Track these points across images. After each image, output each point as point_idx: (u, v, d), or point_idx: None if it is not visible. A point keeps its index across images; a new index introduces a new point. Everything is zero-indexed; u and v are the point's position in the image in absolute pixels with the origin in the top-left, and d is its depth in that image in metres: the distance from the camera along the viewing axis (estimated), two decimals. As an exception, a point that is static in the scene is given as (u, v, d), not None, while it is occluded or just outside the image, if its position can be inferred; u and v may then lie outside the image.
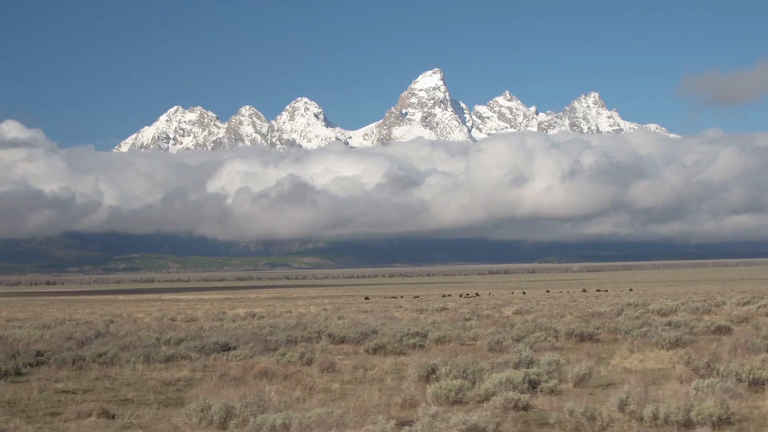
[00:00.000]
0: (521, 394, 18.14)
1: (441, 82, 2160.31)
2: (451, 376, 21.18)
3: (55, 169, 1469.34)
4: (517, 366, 23.02)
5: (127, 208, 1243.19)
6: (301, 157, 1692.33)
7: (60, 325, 47.68)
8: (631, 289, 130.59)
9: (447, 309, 65.10)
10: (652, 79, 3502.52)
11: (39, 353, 28.47)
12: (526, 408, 17.87)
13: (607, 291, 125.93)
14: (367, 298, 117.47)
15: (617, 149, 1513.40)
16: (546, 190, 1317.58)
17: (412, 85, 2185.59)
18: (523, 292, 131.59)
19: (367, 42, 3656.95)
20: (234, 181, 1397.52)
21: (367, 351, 30.53)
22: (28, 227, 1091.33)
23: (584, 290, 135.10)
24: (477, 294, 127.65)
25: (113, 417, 18.77)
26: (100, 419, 18.47)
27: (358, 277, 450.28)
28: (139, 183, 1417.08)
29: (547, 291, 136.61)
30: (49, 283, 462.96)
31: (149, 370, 27.00)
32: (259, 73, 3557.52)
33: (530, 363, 23.28)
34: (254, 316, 59.04)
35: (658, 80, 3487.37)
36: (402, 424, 15.74)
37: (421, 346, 31.36)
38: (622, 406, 16.96)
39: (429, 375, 22.07)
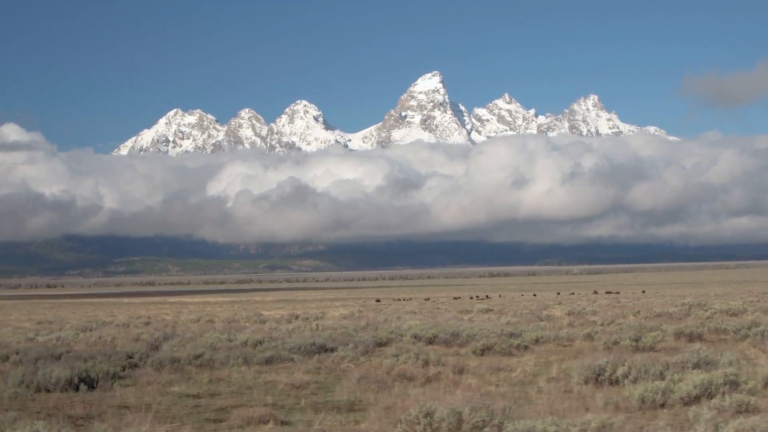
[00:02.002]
0: (750, 396, 16.78)
1: (440, 85, 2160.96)
2: (630, 377, 19.97)
3: (55, 171, 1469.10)
4: (696, 366, 21.81)
5: (127, 210, 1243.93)
6: (301, 159, 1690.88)
7: (102, 328, 46.06)
8: (644, 291, 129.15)
9: (492, 310, 63.64)
10: (651, 81, 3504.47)
11: (129, 356, 27.15)
12: (755, 411, 16.43)
13: (618, 293, 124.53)
14: (378, 301, 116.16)
15: (617, 151, 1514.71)
16: (546, 192, 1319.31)
17: (412, 88, 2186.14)
18: (534, 294, 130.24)
19: (366, 44, 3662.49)
20: (234, 183, 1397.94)
21: (474, 352, 29.49)
22: (28, 230, 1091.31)
23: (595, 292, 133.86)
24: (487, 296, 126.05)
25: (285, 423, 17.55)
26: (277, 426, 17.28)
27: (359, 280, 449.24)
28: (139, 186, 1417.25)
29: (558, 293, 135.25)
30: (49, 286, 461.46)
31: (255, 372, 25.78)
32: (259, 76, 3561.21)
33: (708, 363, 22.04)
34: (297, 317, 57.58)
35: (658, 82, 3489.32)
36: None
37: (525, 347, 30.42)
38: None
39: (598, 376, 20.94)
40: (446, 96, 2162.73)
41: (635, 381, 19.90)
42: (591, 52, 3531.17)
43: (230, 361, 26.42)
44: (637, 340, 30.11)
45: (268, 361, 27.17)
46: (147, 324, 51.64)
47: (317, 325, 43.93)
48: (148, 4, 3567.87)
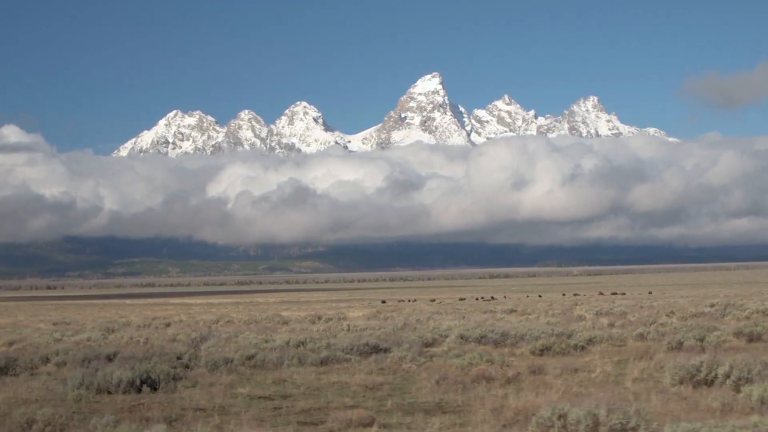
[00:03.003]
0: None
1: (440, 86, 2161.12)
2: (733, 377, 19.50)
3: (55, 173, 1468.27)
4: None
5: (127, 212, 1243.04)
6: (301, 161, 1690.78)
7: (124, 329, 45.64)
8: (650, 293, 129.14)
9: (516, 311, 63.12)
10: (651, 82, 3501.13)
11: (178, 357, 26.71)
12: None
13: (624, 294, 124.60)
14: (383, 302, 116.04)
15: (617, 153, 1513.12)
16: (546, 193, 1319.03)
17: (411, 89, 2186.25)
18: (539, 296, 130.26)
19: (366, 46, 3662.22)
20: (234, 185, 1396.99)
21: (532, 352, 29.21)
22: (28, 231, 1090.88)
23: (600, 293, 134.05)
24: (492, 297, 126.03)
25: (386, 426, 17.00)
26: (382, 429, 16.71)
27: (359, 282, 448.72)
28: (139, 187, 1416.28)
29: (563, 294, 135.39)
30: (49, 288, 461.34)
31: (314, 372, 25.26)
32: (259, 78, 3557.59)
33: None
34: (320, 318, 57.14)
35: (658, 83, 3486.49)
36: None
37: (582, 347, 30.03)
38: None
39: (693, 377, 20.48)
40: (446, 97, 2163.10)
41: (738, 381, 19.36)
42: (590, 54, 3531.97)
43: (285, 362, 25.76)
44: (701, 340, 29.62)
45: (324, 362, 26.60)
46: (168, 325, 50.95)
47: (348, 326, 42.86)
48: (148, 5, 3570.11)
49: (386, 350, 28.35)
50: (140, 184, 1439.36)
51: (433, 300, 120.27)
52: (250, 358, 26.07)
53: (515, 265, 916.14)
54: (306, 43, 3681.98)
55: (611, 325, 41.20)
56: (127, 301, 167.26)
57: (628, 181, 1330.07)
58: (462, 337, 32.95)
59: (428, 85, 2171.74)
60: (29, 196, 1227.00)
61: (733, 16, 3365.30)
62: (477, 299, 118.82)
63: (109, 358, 25.18)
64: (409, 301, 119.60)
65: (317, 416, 18.45)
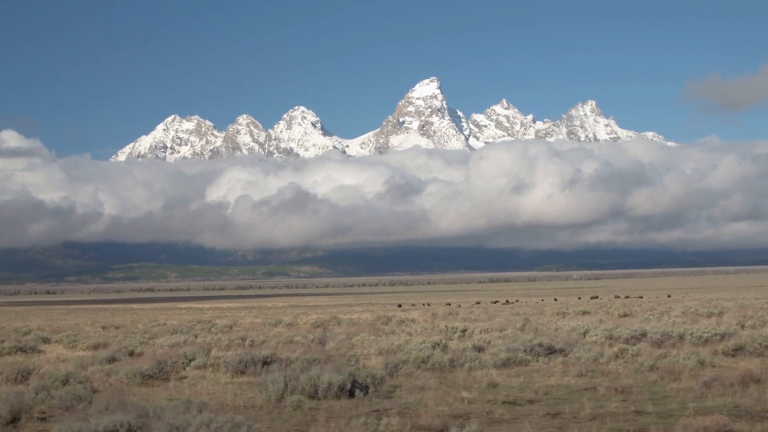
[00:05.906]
0: None
1: (438, 91, 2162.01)
2: None
3: (53, 178, 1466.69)
4: None
5: (126, 217, 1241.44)
6: (300, 165, 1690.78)
7: (189, 332, 44.54)
8: (669, 296, 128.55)
9: (589, 313, 62.10)
10: (651, 86, 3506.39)
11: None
12: None
13: (642, 297, 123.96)
14: (399, 306, 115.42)
15: (616, 157, 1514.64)
16: (545, 198, 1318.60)
17: (410, 94, 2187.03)
18: (555, 299, 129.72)
19: (365, 51, 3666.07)
20: (234, 189, 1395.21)
21: (725, 353, 28.66)
22: (27, 237, 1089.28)
23: (617, 296, 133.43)
24: (507, 301, 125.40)
25: None
26: None
27: (359, 286, 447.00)
28: (138, 192, 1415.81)
29: (579, 298, 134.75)
30: (48, 293, 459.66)
31: (507, 375, 24.02)
32: (257, 82, 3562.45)
33: None
34: (390, 320, 56.34)
35: (658, 87, 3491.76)
36: None
37: (766, 346, 29.25)
38: None
39: None
40: (444, 102, 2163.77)
41: None
42: (588, 58, 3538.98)
43: (466, 363, 24.88)
44: None
45: (505, 364, 25.85)
46: (230, 328, 49.89)
47: (445, 326, 41.46)
48: (147, 10, 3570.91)
49: (560, 351, 27.45)
50: (139, 189, 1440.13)
51: (449, 303, 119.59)
52: (424, 361, 25.27)
53: (514, 269, 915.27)
54: (304, 48, 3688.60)
55: (740, 325, 40.08)
56: (134, 306, 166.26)
57: (628, 186, 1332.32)
58: (610, 337, 31.99)
59: (426, 90, 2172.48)
60: (29, 201, 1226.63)
61: (735, 18, 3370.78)
62: (493, 303, 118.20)
63: (266, 362, 24.12)
64: (424, 304, 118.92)
65: (641, 423, 17.12)
